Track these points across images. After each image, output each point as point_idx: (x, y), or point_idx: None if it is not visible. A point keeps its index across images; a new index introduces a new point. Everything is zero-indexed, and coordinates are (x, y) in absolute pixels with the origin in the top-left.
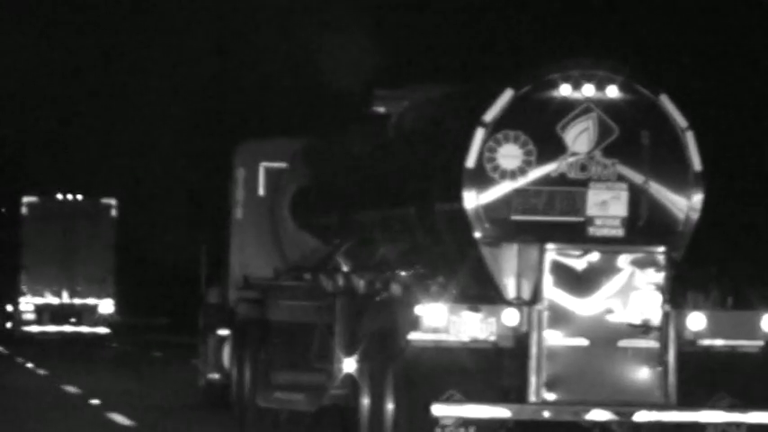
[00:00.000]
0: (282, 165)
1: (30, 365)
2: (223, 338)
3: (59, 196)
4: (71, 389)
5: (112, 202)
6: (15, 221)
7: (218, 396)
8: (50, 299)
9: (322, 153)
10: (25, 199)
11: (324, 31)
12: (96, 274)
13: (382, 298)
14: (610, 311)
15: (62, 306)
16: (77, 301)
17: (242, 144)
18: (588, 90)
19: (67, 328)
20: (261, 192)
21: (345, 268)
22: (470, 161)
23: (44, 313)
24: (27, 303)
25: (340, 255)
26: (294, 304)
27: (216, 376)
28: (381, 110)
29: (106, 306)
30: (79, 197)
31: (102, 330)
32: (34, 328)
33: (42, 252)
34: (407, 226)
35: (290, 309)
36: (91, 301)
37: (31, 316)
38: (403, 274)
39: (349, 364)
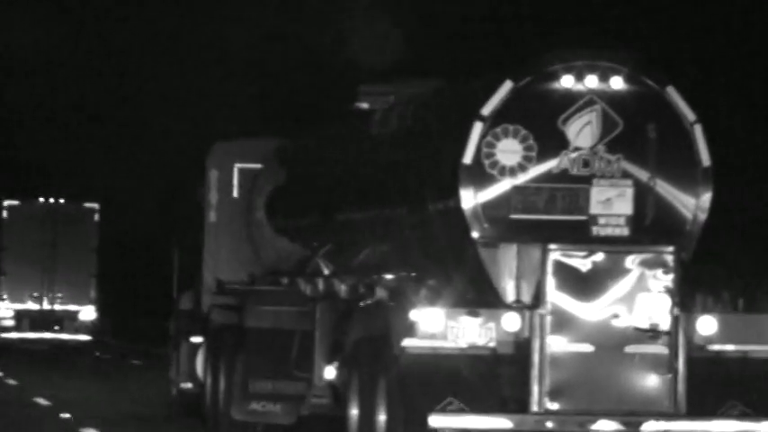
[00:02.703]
0: (257, 165)
1: None
2: (196, 346)
3: (41, 200)
4: (41, 400)
5: (95, 206)
6: None
7: (191, 406)
8: (30, 305)
9: (299, 152)
10: (6, 202)
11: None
12: (78, 280)
13: (373, 302)
14: (616, 316)
15: (42, 312)
16: (58, 307)
17: (215, 144)
18: (591, 82)
19: (48, 336)
20: (235, 193)
21: (326, 272)
22: (467, 157)
23: (24, 320)
24: (6, 309)
25: (320, 258)
26: (272, 310)
27: (189, 385)
28: (365, 106)
29: (88, 313)
30: (61, 201)
31: (84, 338)
32: (13, 335)
33: (23, 257)
34: (395, 226)
35: (268, 315)
36: (72, 307)
37: (10, 322)
38: (389, 277)
39: (330, 372)
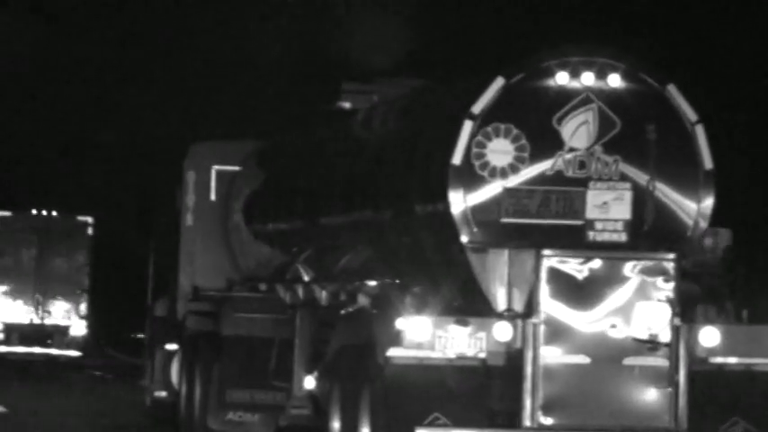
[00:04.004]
0: (236, 168)
1: None
2: (171, 353)
3: (33, 211)
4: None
5: (89, 219)
6: None
7: (166, 415)
8: (20, 318)
9: (279, 154)
10: None
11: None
12: (69, 294)
13: (355, 309)
14: (613, 326)
15: (32, 326)
16: (48, 321)
17: (193, 145)
18: (588, 79)
19: (37, 350)
20: (212, 197)
21: (306, 278)
22: (457, 158)
23: (13, 333)
24: None
25: (300, 263)
26: (249, 317)
27: (163, 394)
28: (347, 105)
29: (78, 328)
30: (54, 213)
31: (74, 353)
32: (2, 349)
33: (13, 269)
34: (380, 231)
35: (245, 322)
36: (63, 322)
37: None
38: (372, 284)
39: (310, 382)
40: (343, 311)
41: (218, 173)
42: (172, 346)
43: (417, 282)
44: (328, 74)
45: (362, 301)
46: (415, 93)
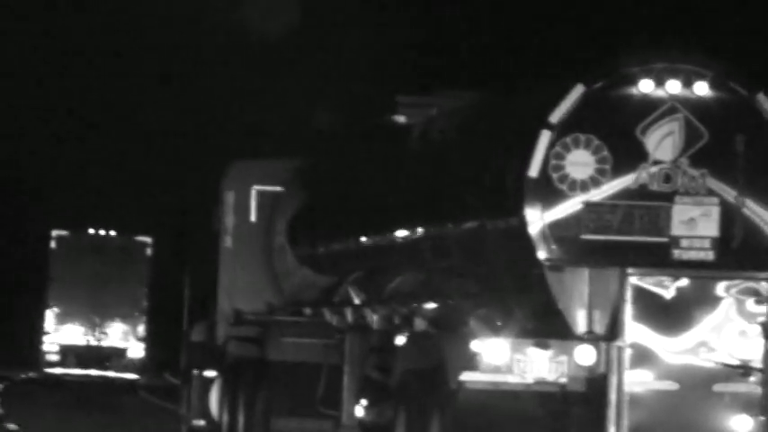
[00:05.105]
0: (276, 188)
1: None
2: (209, 380)
3: (91, 231)
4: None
5: (148, 240)
6: (43, 257)
7: None
8: (76, 340)
9: (324, 172)
10: (55, 233)
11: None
12: (127, 316)
13: (422, 331)
14: (703, 350)
15: (89, 348)
16: (106, 343)
17: (232, 164)
18: (673, 87)
19: (93, 372)
20: (253, 217)
21: (357, 301)
22: (533, 170)
23: (69, 355)
24: (51, 344)
25: (349, 285)
26: (297, 342)
27: (201, 423)
28: (402, 119)
29: (136, 350)
30: (112, 233)
31: (131, 376)
32: (58, 371)
33: (70, 290)
34: (441, 249)
35: (293, 347)
36: (120, 344)
37: (55, 357)
38: (430, 306)
39: (360, 410)
40: (407, 333)
41: (259, 193)
42: (210, 373)
43: (486, 303)
44: (383, 87)
45: (419, 324)
46: (477, 104)
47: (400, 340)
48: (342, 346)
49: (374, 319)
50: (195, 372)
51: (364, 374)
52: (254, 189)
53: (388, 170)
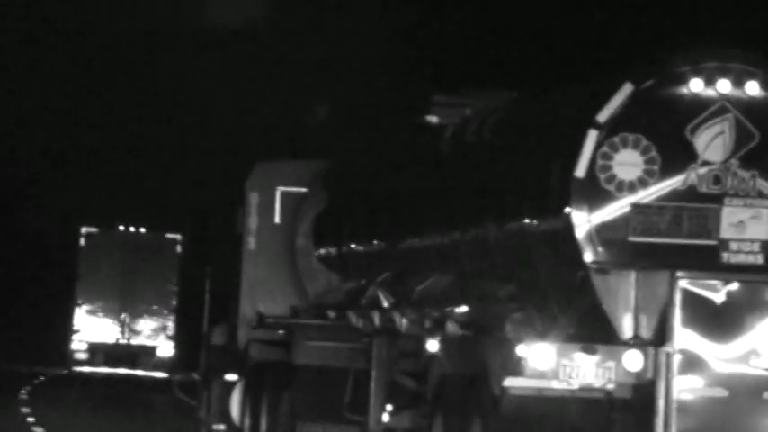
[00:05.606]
0: (301, 189)
1: (31, 419)
2: (230, 384)
3: (121, 228)
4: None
5: (177, 237)
6: (73, 253)
7: None
8: (105, 338)
9: (351, 173)
10: (84, 229)
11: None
12: (157, 314)
13: (461, 335)
14: (754, 356)
15: (118, 346)
16: (135, 341)
17: (256, 165)
18: (724, 86)
19: (122, 371)
20: (277, 219)
21: (385, 303)
22: (580, 170)
23: (98, 353)
24: (80, 342)
25: (377, 288)
26: (323, 346)
27: (221, 427)
28: (434, 120)
29: (166, 349)
30: (142, 230)
31: (160, 375)
32: (86, 369)
33: (99, 287)
34: (477, 250)
35: (319, 351)
36: (149, 342)
37: (83, 355)
38: (463, 309)
39: (387, 416)
40: (438, 339)
41: (284, 194)
42: (231, 377)
43: (524, 306)
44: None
45: (452, 327)
46: (514, 103)
47: (432, 345)
48: (369, 350)
49: (403, 322)
50: (215, 375)
51: (392, 380)
52: (279, 190)
53: (419, 170)
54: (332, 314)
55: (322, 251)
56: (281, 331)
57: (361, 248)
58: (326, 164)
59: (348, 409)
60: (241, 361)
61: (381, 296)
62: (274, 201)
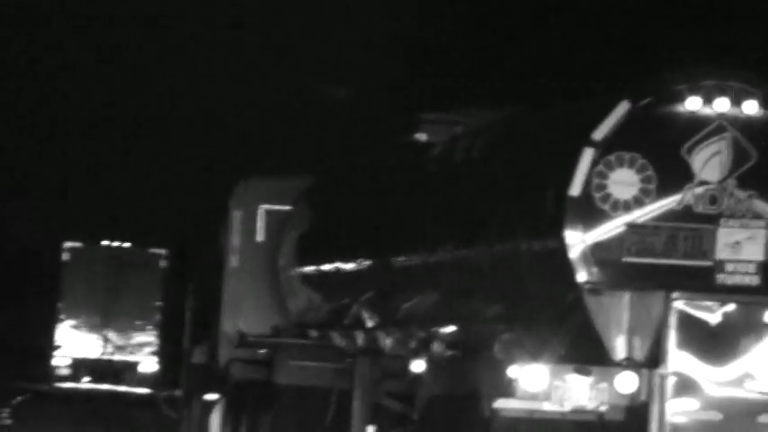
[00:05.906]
0: (284, 207)
1: None
2: (210, 404)
3: (105, 242)
4: None
5: (162, 252)
6: (56, 268)
7: None
8: (88, 353)
9: (335, 192)
10: (67, 244)
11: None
12: (140, 329)
13: (450, 356)
14: (749, 379)
15: (101, 362)
16: (118, 357)
17: (239, 183)
18: (722, 105)
19: (105, 387)
20: (260, 237)
21: (369, 323)
22: (575, 189)
23: (81, 369)
24: (63, 357)
25: (360, 307)
26: (306, 365)
27: None
28: (423, 137)
29: (149, 364)
30: (126, 245)
31: (144, 391)
32: (69, 385)
33: (82, 302)
34: (465, 269)
35: (301, 371)
36: (132, 358)
37: (66, 371)
38: (450, 329)
39: None
40: (424, 359)
41: (267, 212)
42: (212, 396)
43: (513, 326)
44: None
45: (438, 348)
46: (506, 121)
47: (418, 365)
48: (352, 371)
49: (387, 342)
50: (196, 394)
51: (375, 401)
52: (262, 208)
53: (407, 189)
54: (314, 333)
55: (305, 269)
56: (262, 350)
57: (344, 267)
58: (310, 181)
59: (330, 429)
60: (222, 380)
61: (365, 315)
62: (257, 219)
